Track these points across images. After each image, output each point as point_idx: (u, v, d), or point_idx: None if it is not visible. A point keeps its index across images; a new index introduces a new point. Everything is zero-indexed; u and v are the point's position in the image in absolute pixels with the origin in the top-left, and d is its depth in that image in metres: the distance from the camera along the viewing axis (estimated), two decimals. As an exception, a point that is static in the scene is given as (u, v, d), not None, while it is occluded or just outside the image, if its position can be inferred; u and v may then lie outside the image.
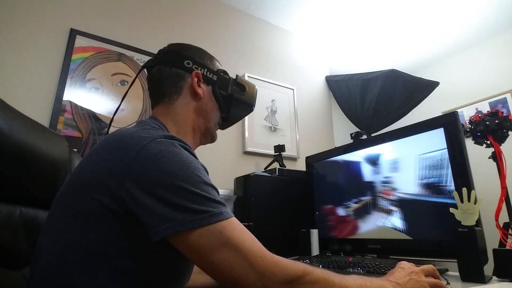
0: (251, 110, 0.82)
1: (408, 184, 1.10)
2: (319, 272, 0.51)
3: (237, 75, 0.80)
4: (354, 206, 1.29)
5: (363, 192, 1.26)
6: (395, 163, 1.16)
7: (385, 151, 1.21)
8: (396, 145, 1.18)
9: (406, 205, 1.10)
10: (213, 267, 0.48)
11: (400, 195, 1.12)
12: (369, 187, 1.24)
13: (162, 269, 0.53)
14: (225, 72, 0.77)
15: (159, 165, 0.49)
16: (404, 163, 1.13)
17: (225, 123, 0.82)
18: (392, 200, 1.14)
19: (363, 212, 1.25)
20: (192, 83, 0.70)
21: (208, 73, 0.74)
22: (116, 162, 0.50)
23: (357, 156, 1.33)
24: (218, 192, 0.53)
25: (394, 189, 1.15)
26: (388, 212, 1.15)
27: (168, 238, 0.47)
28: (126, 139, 0.52)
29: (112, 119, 0.84)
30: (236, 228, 0.49)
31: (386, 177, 1.18)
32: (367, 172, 1.26)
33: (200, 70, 0.72)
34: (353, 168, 1.34)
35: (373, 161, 1.25)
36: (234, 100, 0.76)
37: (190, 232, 0.46)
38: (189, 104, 0.70)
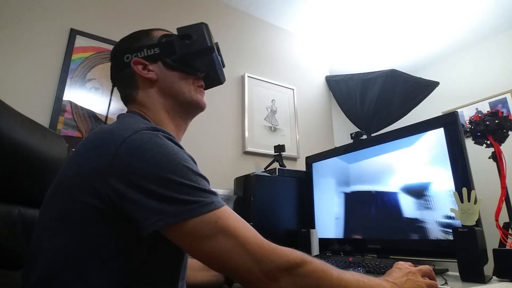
0: (211, 50, 0.69)
1: (409, 183, 1.10)
2: (318, 262, 0.51)
3: (177, 28, 0.69)
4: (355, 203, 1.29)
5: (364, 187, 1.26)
6: (394, 162, 1.16)
7: (385, 150, 1.21)
8: (396, 144, 1.18)
9: (406, 204, 1.10)
10: (209, 256, 0.47)
11: (401, 193, 1.12)
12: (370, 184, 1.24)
13: (155, 266, 0.53)
14: (167, 36, 0.68)
15: (143, 158, 0.47)
16: (404, 163, 1.13)
17: (210, 80, 0.74)
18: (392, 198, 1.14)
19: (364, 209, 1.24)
20: (138, 72, 0.65)
21: (148, 51, 0.66)
22: (97, 160, 0.48)
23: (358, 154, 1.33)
24: (208, 182, 0.52)
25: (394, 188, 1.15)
26: (389, 209, 1.15)
27: (160, 231, 0.46)
28: (106, 134, 0.51)
29: (106, 118, 0.82)
30: (230, 217, 0.48)
31: (387, 175, 1.18)
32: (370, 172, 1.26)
33: (140, 55, 0.66)
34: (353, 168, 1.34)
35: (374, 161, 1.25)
36: (186, 56, 0.67)
37: (182, 223, 0.45)
38: (149, 91, 0.66)
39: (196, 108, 0.70)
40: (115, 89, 0.72)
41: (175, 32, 0.70)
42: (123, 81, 0.68)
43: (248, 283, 0.48)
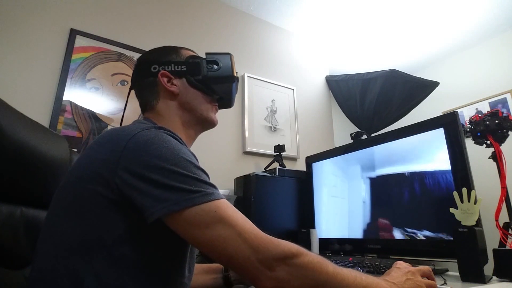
0: (233, 79, 0.78)
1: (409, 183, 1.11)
2: (314, 255, 0.52)
3: (206, 53, 0.78)
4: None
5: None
6: (393, 161, 1.17)
7: (384, 149, 1.21)
8: (395, 145, 1.18)
9: (408, 204, 1.10)
10: (208, 243, 0.49)
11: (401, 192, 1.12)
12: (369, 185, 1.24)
13: (158, 256, 0.54)
14: (194, 57, 0.76)
15: (149, 151, 0.51)
16: (403, 163, 1.13)
17: (222, 102, 0.80)
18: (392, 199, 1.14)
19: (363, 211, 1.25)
20: (163, 84, 0.71)
21: (176, 66, 0.73)
22: (108, 153, 0.52)
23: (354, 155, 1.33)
24: (208, 176, 0.55)
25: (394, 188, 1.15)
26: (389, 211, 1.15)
27: (163, 219, 0.49)
28: (117, 131, 0.56)
29: (122, 119, 0.87)
30: (229, 208, 0.51)
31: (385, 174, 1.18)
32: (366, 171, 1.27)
33: (167, 69, 0.73)
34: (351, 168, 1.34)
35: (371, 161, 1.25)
36: (211, 79, 0.75)
37: (184, 210, 0.48)
38: (169, 103, 0.72)
39: (208, 124, 0.77)
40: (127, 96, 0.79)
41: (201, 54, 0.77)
42: (146, 89, 0.74)
43: (245, 272, 0.49)
